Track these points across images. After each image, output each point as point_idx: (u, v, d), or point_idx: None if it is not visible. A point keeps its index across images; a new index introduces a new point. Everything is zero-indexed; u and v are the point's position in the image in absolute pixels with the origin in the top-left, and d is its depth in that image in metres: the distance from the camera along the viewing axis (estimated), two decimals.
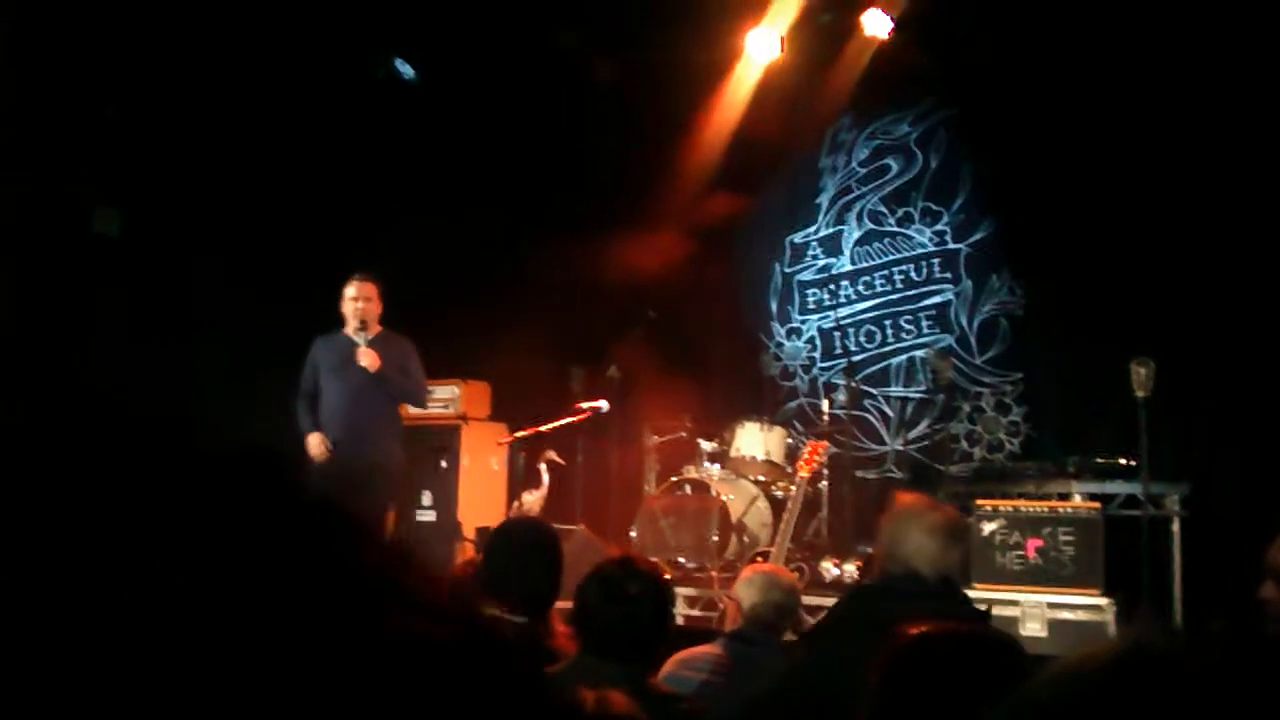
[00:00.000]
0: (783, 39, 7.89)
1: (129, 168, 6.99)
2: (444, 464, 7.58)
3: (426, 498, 7.56)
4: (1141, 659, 0.84)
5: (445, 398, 7.78)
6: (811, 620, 5.62)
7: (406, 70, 7.82)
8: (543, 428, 7.16)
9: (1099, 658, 0.87)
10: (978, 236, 8.35)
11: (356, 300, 6.26)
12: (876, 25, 7.68)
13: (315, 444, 6.18)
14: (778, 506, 7.19)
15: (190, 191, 7.24)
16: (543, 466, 7.80)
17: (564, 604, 3.26)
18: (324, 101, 7.64)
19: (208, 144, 7.25)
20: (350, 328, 6.27)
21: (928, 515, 2.91)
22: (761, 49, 7.97)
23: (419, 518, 7.52)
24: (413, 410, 6.78)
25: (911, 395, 8.51)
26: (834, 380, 8.68)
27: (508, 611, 3.15)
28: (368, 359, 6.15)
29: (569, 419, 7.23)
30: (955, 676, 1.67)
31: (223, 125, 7.28)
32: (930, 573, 2.83)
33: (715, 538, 7.10)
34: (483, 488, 7.80)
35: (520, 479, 7.68)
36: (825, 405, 8.22)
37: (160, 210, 7.17)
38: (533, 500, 7.74)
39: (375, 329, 6.31)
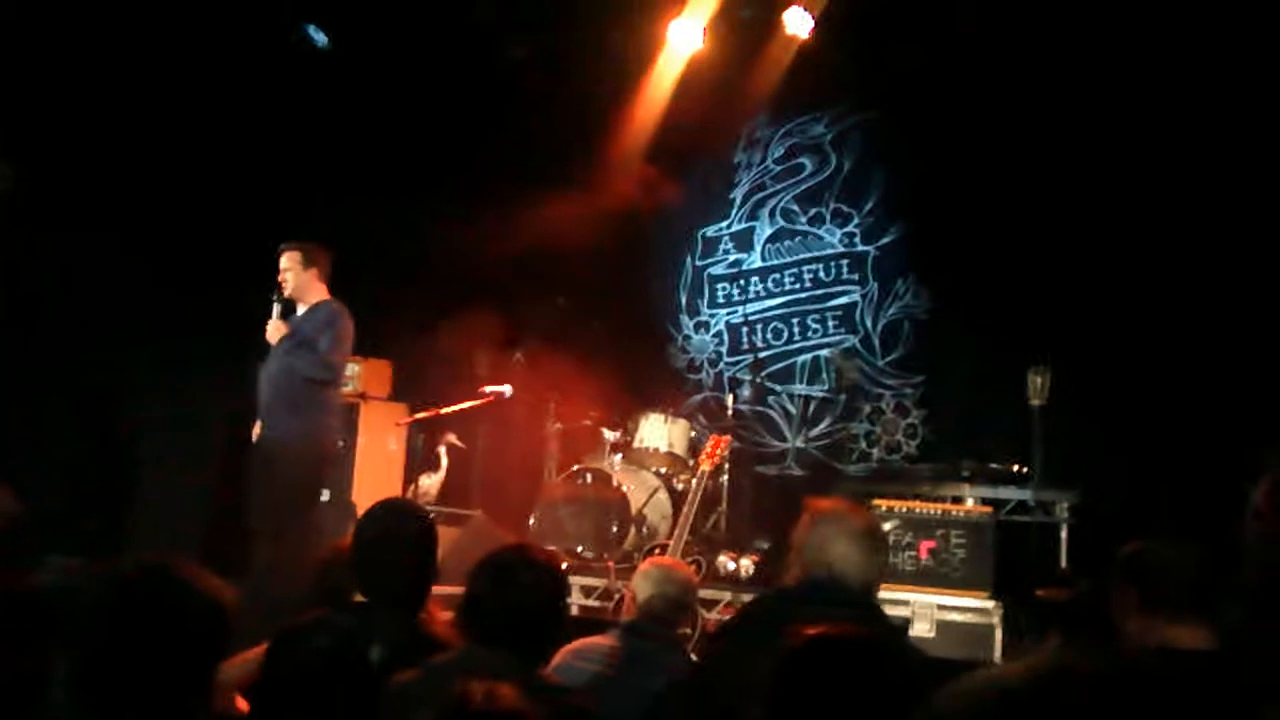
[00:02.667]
0: (705, 31, 7.88)
1: (26, 128, 6.70)
2: (340, 442, 7.41)
3: None
4: (1055, 678, 0.83)
5: (345, 375, 7.61)
6: (706, 615, 5.65)
7: (319, 37, 7.62)
8: (443, 410, 7.05)
9: (1012, 676, 0.85)
10: (886, 240, 8.45)
11: (279, 271, 6.10)
12: (797, 24, 7.70)
13: (254, 430, 6.06)
14: (678, 499, 7.19)
15: (88, 154, 6.96)
16: (442, 449, 7.70)
17: (452, 589, 3.18)
18: (232, 67, 7.41)
19: (113, 106, 6.98)
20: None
21: (850, 521, 2.89)
22: (683, 40, 7.95)
23: None
24: None
25: (815, 394, 8.58)
26: (739, 375, 8.73)
27: (377, 601, 3.04)
28: (270, 328, 6.00)
29: (471, 402, 7.13)
30: (847, 678, 1.65)
31: (128, 86, 7.02)
32: (855, 580, 2.81)
33: (614, 528, 7.07)
34: (379, 468, 7.65)
35: (419, 461, 7.56)
36: (730, 400, 8.26)
37: (53, 173, 6.89)
38: (431, 483, 7.64)
39: (308, 300, 6.10)
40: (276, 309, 6.05)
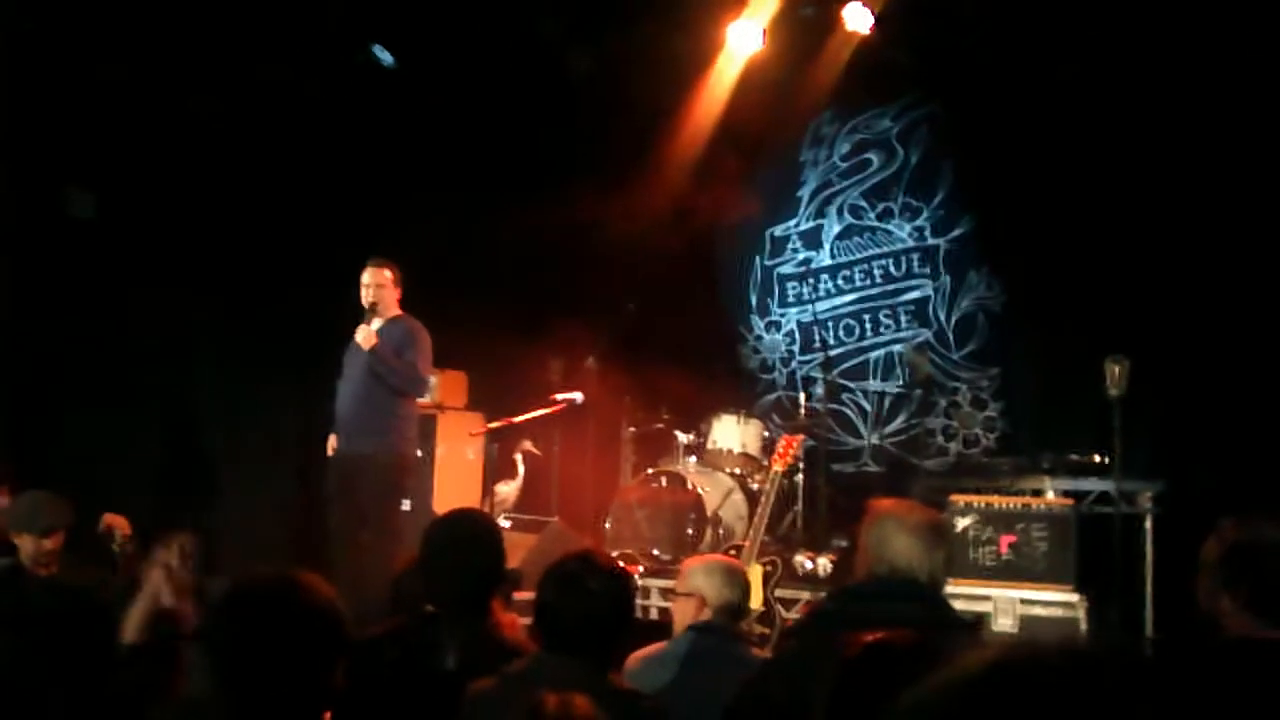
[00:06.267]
0: (765, 32, 7.86)
1: (108, 153, 6.92)
2: (419, 453, 7.54)
3: None
4: (1005, 672, 0.89)
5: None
6: (785, 614, 5.65)
7: (385, 57, 7.76)
8: (518, 418, 7.14)
9: (969, 668, 0.92)
10: (957, 232, 8.36)
11: (366, 286, 6.23)
12: (858, 19, 7.65)
13: (330, 444, 6.20)
14: (753, 499, 7.18)
15: (166, 177, 7.18)
16: (518, 457, 7.79)
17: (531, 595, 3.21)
18: (303, 87, 7.58)
19: (187, 129, 7.19)
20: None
21: (910, 516, 2.89)
22: (743, 42, 7.93)
23: None
24: None
25: (889, 390, 8.52)
26: (812, 374, 8.70)
27: (444, 609, 3.06)
28: (362, 334, 6.12)
29: (545, 410, 7.21)
30: (902, 687, 1.65)
31: (202, 109, 7.22)
32: (918, 574, 2.80)
33: (690, 530, 7.09)
34: (458, 478, 7.78)
35: (495, 469, 7.66)
36: (803, 398, 8.23)
37: (136, 196, 7.11)
38: (508, 491, 7.73)
39: (390, 314, 6.25)
40: (375, 322, 6.18)
